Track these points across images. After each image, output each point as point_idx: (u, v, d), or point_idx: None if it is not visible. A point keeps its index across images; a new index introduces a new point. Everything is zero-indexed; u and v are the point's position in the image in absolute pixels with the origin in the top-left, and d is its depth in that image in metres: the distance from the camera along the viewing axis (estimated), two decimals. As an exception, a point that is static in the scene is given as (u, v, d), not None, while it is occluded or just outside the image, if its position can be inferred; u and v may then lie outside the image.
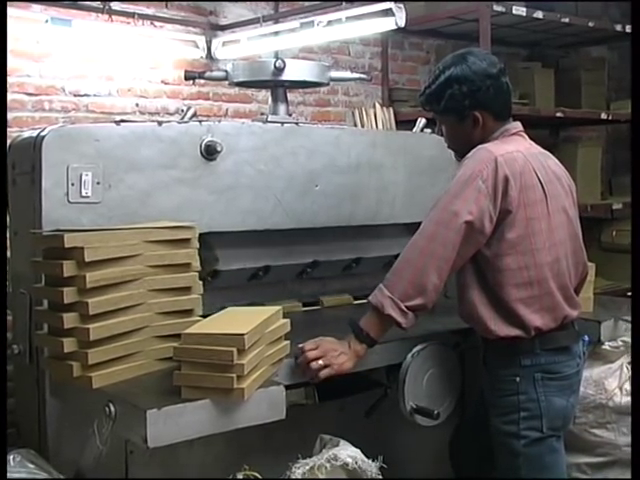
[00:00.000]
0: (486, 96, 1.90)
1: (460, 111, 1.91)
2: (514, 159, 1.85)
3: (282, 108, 2.47)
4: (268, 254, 2.33)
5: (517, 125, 1.98)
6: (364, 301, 2.64)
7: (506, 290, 1.84)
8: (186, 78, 2.60)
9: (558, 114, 3.74)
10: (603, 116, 3.99)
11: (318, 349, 1.82)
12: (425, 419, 2.03)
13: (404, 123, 3.60)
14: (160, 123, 2.08)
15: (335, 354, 1.82)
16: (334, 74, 2.57)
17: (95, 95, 3.17)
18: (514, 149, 1.88)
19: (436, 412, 2.01)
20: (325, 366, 1.80)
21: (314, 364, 1.80)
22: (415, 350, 2.03)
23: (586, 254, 2.01)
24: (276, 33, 3.20)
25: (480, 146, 1.88)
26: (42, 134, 1.88)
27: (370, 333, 1.84)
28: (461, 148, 1.96)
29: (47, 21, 2.85)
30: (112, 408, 1.57)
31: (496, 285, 1.85)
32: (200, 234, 1.87)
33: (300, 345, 1.84)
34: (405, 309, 1.79)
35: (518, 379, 1.87)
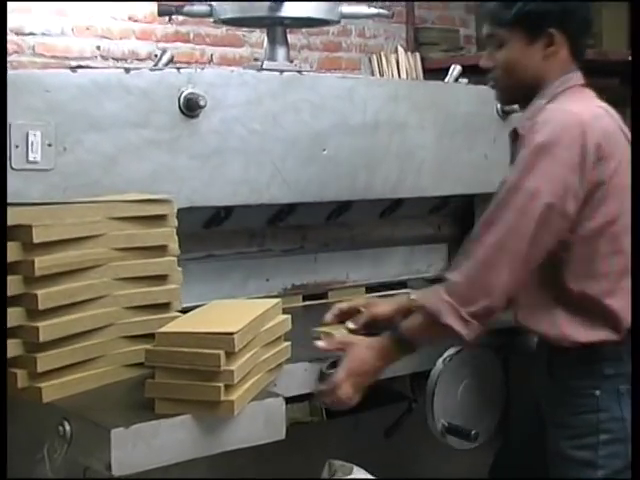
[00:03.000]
0: (571, 16, 1.87)
1: (536, 26, 1.87)
2: (600, 117, 1.82)
3: (281, 53, 2.46)
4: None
5: (579, 76, 1.95)
6: (380, 294, 2.71)
7: (595, 282, 1.81)
8: (160, 14, 2.58)
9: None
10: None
11: (345, 371, 1.81)
12: (459, 441, 2.03)
13: (433, 72, 3.58)
14: (128, 70, 2.08)
15: (368, 373, 1.82)
16: (346, 9, 2.56)
17: (44, 34, 3.15)
18: (595, 106, 1.86)
19: (473, 432, 2.01)
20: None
21: (343, 393, 1.80)
22: (447, 354, 2.02)
23: None
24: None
25: (551, 106, 1.85)
26: (-24, 83, 1.88)
27: (415, 342, 1.83)
28: (513, 86, 1.93)
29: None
30: (67, 427, 1.56)
31: (579, 277, 1.82)
32: (179, 210, 1.87)
33: (323, 368, 1.84)
34: (467, 317, 1.77)
35: (598, 392, 1.83)
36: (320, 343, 1.89)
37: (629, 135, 1.89)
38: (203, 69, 2.22)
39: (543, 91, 1.91)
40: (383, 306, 2.07)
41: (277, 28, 2.47)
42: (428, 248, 2.89)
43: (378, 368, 1.84)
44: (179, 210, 1.86)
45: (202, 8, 2.52)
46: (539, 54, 1.89)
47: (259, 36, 3.49)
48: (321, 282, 2.62)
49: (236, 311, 1.76)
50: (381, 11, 2.74)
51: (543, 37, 1.88)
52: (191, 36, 3.49)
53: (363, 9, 2.76)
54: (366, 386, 1.84)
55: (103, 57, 3.29)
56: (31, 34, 3.13)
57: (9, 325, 1.61)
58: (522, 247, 1.75)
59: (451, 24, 3.88)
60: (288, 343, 1.82)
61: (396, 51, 3.64)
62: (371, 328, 1.99)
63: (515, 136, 1.95)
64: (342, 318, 2.06)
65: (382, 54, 3.63)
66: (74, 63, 2.42)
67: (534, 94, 1.91)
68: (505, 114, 2.72)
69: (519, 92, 1.92)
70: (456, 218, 2.92)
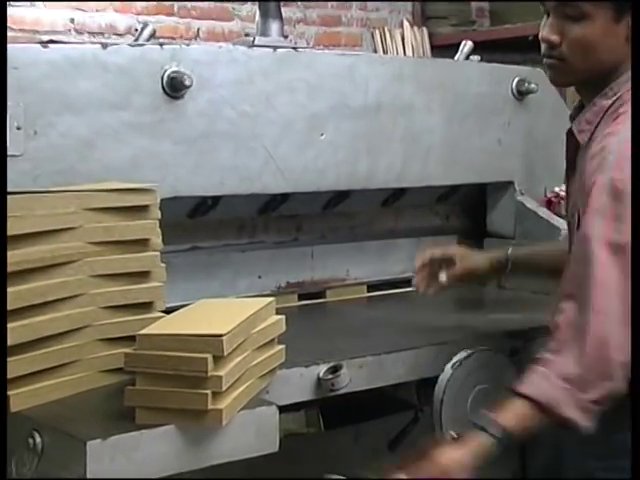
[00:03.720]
0: None
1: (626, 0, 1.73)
2: None
3: (274, 27, 2.45)
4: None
5: None
6: (383, 292, 2.72)
7: None
8: (141, -16, 2.58)
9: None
10: None
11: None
12: (470, 453, 2.03)
13: (442, 48, 3.58)
14: (105, 46, 2.08)
15: None
16: (346, -22, 2.58)
17: (11, 5, 3.13)
18: None
19: (486, 444, 2.01)
20: None
21: None
22: (456, 359, 2.02)
23: None
24: None
25: (620, 137, 1.70)
26: None
27: (517, 438, 1.66)
28: (586, 69, 1.78)
29: None
30: (38, 439, 1.56)
31: None
32: (162, 200, 1.86)
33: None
34: (589, 404, 1.62)
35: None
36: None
37: None
38: (188, 45, 2.24)
39: (611, 84, 1.79)
40: (479, 259, 2.15)
41: (270, 1, 2.46)
42: (435, 241, 2.88)
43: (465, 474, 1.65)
44: (162, 200, 1.86)
45: (187, -23, 2.54)
46: (623, 34, 1.76)
47: (250, 9, 3.48)
48: (318, 279, 2.63)
49: (225, 311, 1.76)
50: (384, -19, 2.74)
51: (629, 15, 1.74)
52: (175, 8, 3.48)
53: (364, -22, 2.78)
54: None
55: (77, 31, 3.28)
56: (-3, 5, 3.12)
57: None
58: (627, 311, 1.63)
59: (462, -4, 3.87)
60: (282, 346, 1.82)
61: (401, 26, 3.64)
62: (464, 281, 2.10)
63: (571, 136, 1.88)
64: (433, 267, 2.13)
65: (386, 29, 3.63)
66: (45, 37, 2.41)
67: (605, 83, 1.80)
68: (521, 95, 2.72)
69: (590, 76, 1.79)
70: (466, 207, 2.94)
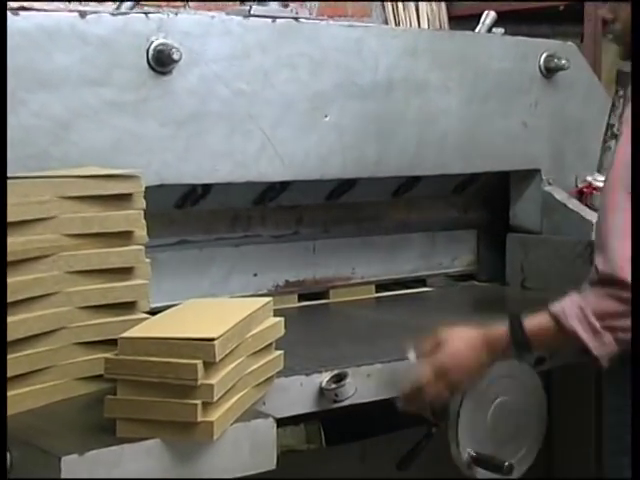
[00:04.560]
0: None
1: None
2: None
3: (273, -6, 2.46)
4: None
5: None
6: (393, 293, 2.72)
7: None
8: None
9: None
10: None
11: (434, 368, 1.87)
12: (490, 474, 2.03)
13: (462, 20, 3.57)
14: (84, 14, 2.07)
15: (469, 369, 1.89)
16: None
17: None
18: None
19: (507, 464, 2.01)
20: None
21: (431, 394, 1.87)
22: None
23: None
24: None
25: None
26: None
27: (533, 344, 1.89)
28: None
29: None
30: (7, 454, 1.55)
31: None
32: (147, 188, 1.87)
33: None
34: (600, 328, 1.80)
35: None
36: (411, 355, 1.92)
37: None
38: (177, 14, 2.22)
39: None
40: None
41: (268, -36, 2.47)
42: (452, 236, 2.91)
43: (483, 364, 1.90)
44: (147, 188, 1.86)
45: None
46: None
47: (246, -26, 3.46)
48: (321, 278, 2.64)
49: (217, 313, 1.76)
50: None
51: None
52: (162, -27, 3.48)
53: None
54: (462, 388, 1.89)
55: (53, -2, 3.27)
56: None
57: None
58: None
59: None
60: (280, 352, 1.83)
61: (415, -6, 3.64)
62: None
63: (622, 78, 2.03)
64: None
65: (397, -2, 3.63)
66: (15, 4, 2.39)
67: None
68: (549, 72, 2.72)
69: None
70: (486, 198, 2.94)
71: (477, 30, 2.72)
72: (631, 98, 1.87)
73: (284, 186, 2.47)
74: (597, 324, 1.80)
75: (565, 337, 1.84)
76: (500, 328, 1.90)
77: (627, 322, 1.79)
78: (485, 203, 2.95)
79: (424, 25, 3.59)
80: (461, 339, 1.91)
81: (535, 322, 1.89)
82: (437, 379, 1.87)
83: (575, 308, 1.83)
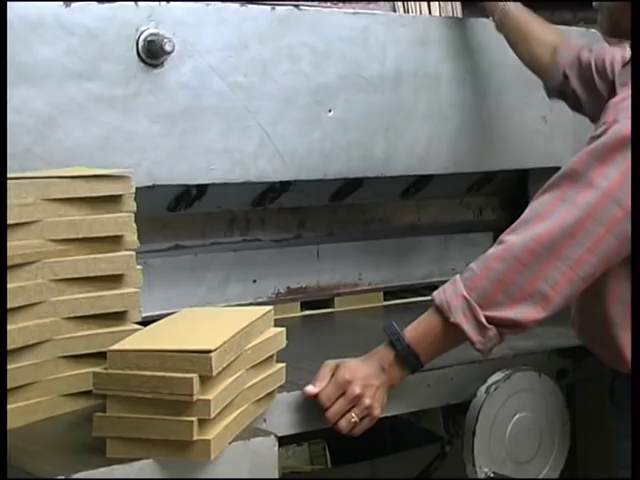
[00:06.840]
0: None
1: None
2: None
3: (273, -20, 2.47)
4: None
5: None
6: (403, 301, 2.72)
7: None
8: None
9: None
10: None
11: (342, 391, 1.82)
12: (509, 496, 2.04)
13: (476, 7, 3.56)
14: (68, 3, 2.07)
15: (370, 392, 1.82)
16: None
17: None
18: None
19: (527, 484, 2.03)
20: (363, 417, 1.83)
21: (344, 422, 1.82)
22: (492, 381, 2.03)
23: None
24: None
25: None
26: None
27: (418, 350, 1.85)
28: None
29: None
30: (-12, 477, 1.57)
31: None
32: (137, 189, 1.86)
33: (307, 388, 1.84)
34: (484, 321, 1.80)
35: None
36: (309, 389, 1.85)
37: None
38: (169, 2, 2.21)
39: None
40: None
41: (268, -53, 2.48)
42: (466, 239, 2.91)
43: (379, 388, 1.84)
44: (138, 189, 1.86)
45: None
46: None
47: (244, -41, 3.47)
48: (325, 285, 2.65)
49: (213, 323, 1.76)
50: None
51: None
52: (153, -42, 3.48)
53: None
54: (377, 414, 1.83)
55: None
56: None
57: None
58: (589, 260, 1.80)
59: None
60: (282, 365, 1.83)
61: (425, -21, 3.62)
62: None
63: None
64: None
65: (406, -17, 3.62)
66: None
67: None
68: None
69: None
70: (503, 198, 2.94)
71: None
72: (631, 97, 1.85)
73: (285, 186, 2.48)
74: (483, 318, 1.79)
75: (452, 334, 1.82)
76: (383, 345, 1.88)
77: (508, 313, 1.79)
78: (502, 204, 2.96)
79: (435, 12, 3.58)
80: (357, 361, 1.87)
81: (416, 326, 1.87)
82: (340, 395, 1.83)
83: (460, 300, 1.81)
